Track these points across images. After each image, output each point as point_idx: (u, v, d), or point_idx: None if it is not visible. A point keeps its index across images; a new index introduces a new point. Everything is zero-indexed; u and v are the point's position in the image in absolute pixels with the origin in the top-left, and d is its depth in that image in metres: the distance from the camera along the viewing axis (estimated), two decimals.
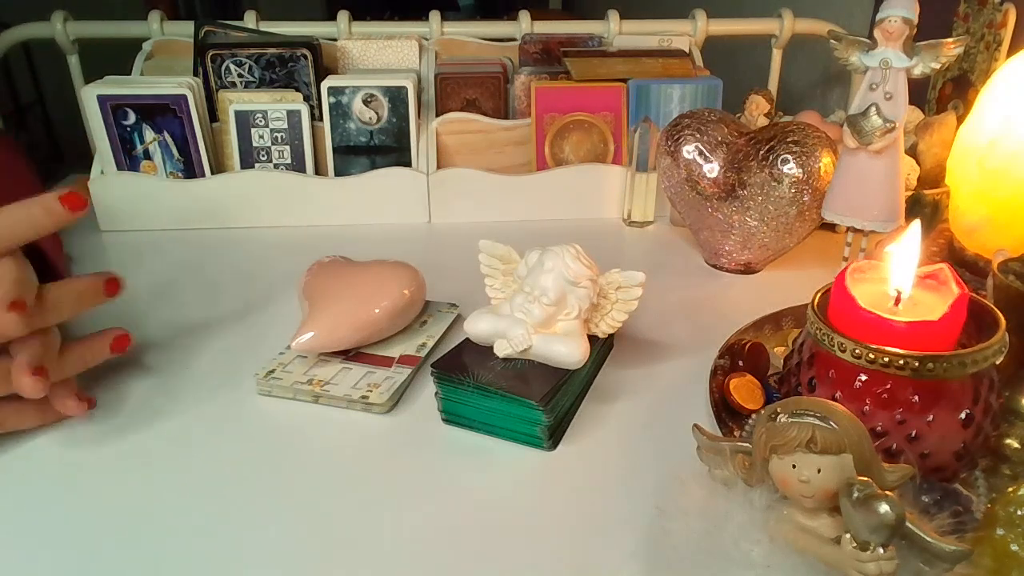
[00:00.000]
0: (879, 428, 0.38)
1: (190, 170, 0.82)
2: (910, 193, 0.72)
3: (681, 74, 0.87)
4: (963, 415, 0.38)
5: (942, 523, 0.31)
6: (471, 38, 0.97)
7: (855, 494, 0.28)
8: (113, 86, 0.79)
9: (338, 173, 0.84)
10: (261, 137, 0.82)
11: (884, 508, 0.28)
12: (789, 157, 0.63)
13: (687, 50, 0.94)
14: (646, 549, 0.38)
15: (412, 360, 0.54)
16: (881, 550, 0.28)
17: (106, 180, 0.80)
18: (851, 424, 0.30)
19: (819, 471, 0.30)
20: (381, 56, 0.92)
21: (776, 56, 1.05)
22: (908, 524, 0.28)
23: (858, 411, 0.38)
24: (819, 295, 0.43)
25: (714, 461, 0.36)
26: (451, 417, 0.48)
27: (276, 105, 0.82)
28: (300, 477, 0.44)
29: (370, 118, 0.83)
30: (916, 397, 0.37)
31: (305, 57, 0.84)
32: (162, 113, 0.79)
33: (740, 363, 0.50)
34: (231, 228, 0.82)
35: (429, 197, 0.83)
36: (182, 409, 0.50)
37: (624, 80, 0.85)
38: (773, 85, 1.06)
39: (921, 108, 0.89)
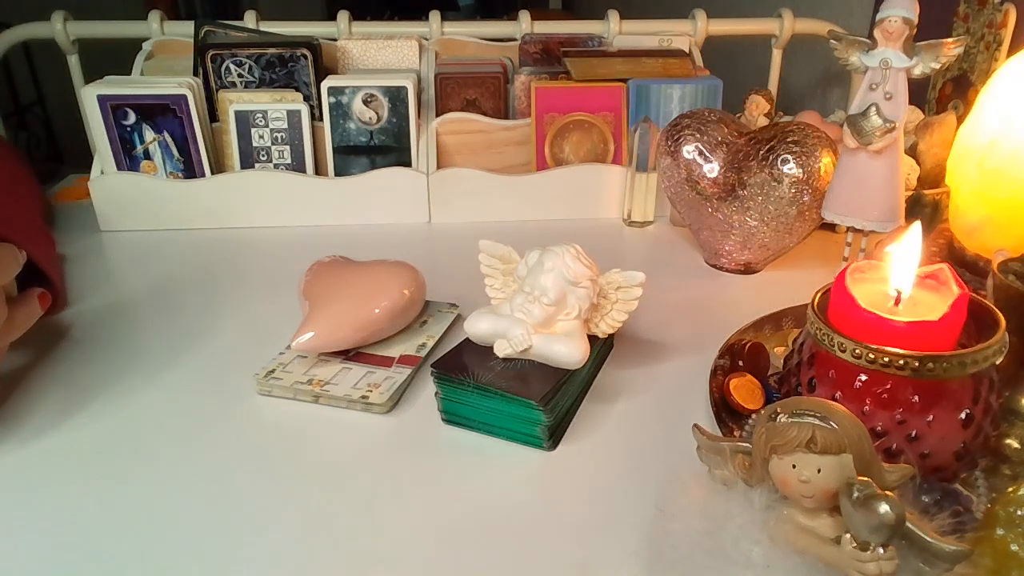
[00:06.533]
0: (879, 428, 0.38)
1: (190, 170, 0.82)
2: (910, 193, 0.72)
3: (681, 74, 0.87)
4: (963, 415, 0.38)
5: (942, 523, 0.31)
6: (471, 38, 0.97)
7: (855, 494, 0.28)
8: (113, 86, 0.79)
9: (338, 173, 0.84)
10: (261, 137, 0.82)
11: (884, 508, 0.28)
12: (789, 157, 0.63)
13: (687, 50, 0.94)
14: (646, 549, 0.38)
15: (412, 360, 0.54)
16: (881, 550, 0.28)
17: (106, 180, 0.80)
18: (851, 424, 0.31)
19: (819, 471, 0.30)
20: (381, 56, 0.92)
21: (776, 56, 1.05)
22: (908, 524, 0.28)
23: (858, 411, 0.38)
24: (819, 295, 0.43)
25: (714, 461, 0.36)
26: (451, 417, 0.48)
27: (276, 105, 0.82)
28: (300, 477, 0.44)
29: (370, 118, 0.83)
30: (916, 397, 0.37)
31: (305, 57, 0.84)
32: (162, 113, 0.79)
33: (740, 363, 0.50)
34: (231, 228, 0.82)
35: (429, 197, 0.83)
36: (182, 409, 0.50)
37: (624, 80, 0.85)
38: (773, 85, 1.06)
39: (921, 108, 0.89)
